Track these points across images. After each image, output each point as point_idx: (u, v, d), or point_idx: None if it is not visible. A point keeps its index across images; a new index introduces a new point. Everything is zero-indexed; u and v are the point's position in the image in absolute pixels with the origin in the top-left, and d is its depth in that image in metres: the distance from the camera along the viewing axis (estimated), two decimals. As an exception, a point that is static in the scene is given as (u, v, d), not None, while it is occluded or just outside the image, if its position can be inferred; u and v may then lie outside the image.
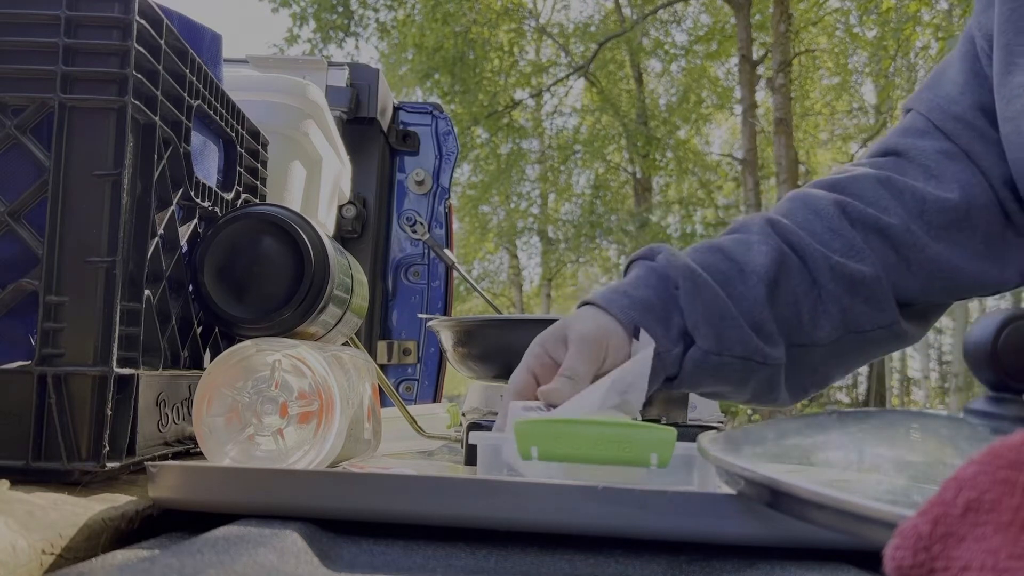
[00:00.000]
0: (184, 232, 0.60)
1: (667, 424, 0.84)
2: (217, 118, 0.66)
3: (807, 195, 0.70)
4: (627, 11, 11.19)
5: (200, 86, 0.62)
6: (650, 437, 0.47)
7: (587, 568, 0.41)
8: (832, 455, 0.45)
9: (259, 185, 0.78)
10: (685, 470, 0.52)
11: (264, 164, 0.80)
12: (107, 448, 0.48)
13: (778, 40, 8.64)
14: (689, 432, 0.78)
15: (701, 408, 1.12)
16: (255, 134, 0.78)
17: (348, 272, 0.70)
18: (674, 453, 0.51)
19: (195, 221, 0.62)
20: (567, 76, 11.57)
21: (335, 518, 0.43)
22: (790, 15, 8.87)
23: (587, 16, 13.78)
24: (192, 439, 0.60)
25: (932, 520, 0.25)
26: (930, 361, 15.07)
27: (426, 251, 1.82)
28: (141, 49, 0.50)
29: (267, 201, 0.78)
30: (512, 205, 12.74)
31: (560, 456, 0.48)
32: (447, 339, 0.89)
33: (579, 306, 0.67)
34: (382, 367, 1.76)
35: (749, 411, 9.11)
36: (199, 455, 0.57)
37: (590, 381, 0.60)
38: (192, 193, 0.60)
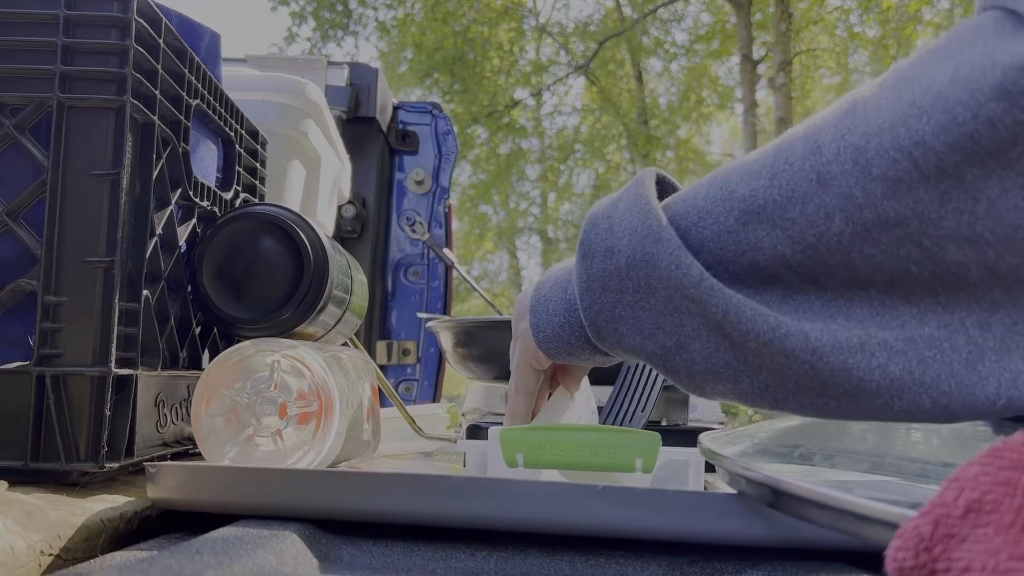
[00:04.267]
0: (183, 232, 0.60)
1: (668, 425, 0.84)
2: (216, 117, 0.66)
3: None
4: (627, 10, 11.19)
5: (199, 85, 0.62)
6: (635, 442, 0.47)
7: (587, 569, 0.41)
8: (833, 455, 0.45)
9: (258, 185, 0.78)
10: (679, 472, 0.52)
11: (263, 164, 0.80)
12: (106, 449, 0.47)
13: (779, 39, 8.64)
14: (690, 433, 0.78)
15: (702, 409, 1.12)
16: (254, 133, 0.77)
17: (347, 272, 0.69)
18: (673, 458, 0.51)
19: (194, 221, 0.62)
20: (567, 75, 11.57)
21: (334, 518, 0.43)
22: (791, 14, 8.87)
23: (587, 15, 13.78)
24: (191, 440, 0.60)
25: (933, 521, 0.25)
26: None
27: (426, 251, 1.82)
28: (140, 48, 0.50)
29: (266, 201, 0.78)
30: (512, 205, 12.74)
31: (546, 463, 0.48)
32: (447, 340, 0.89)
33: None
34: (381, 367, 1.76)
35: (750, 411, 9.11)
36: (198, 456, 0.56)
37: None
38: (191, 193, 0.60)
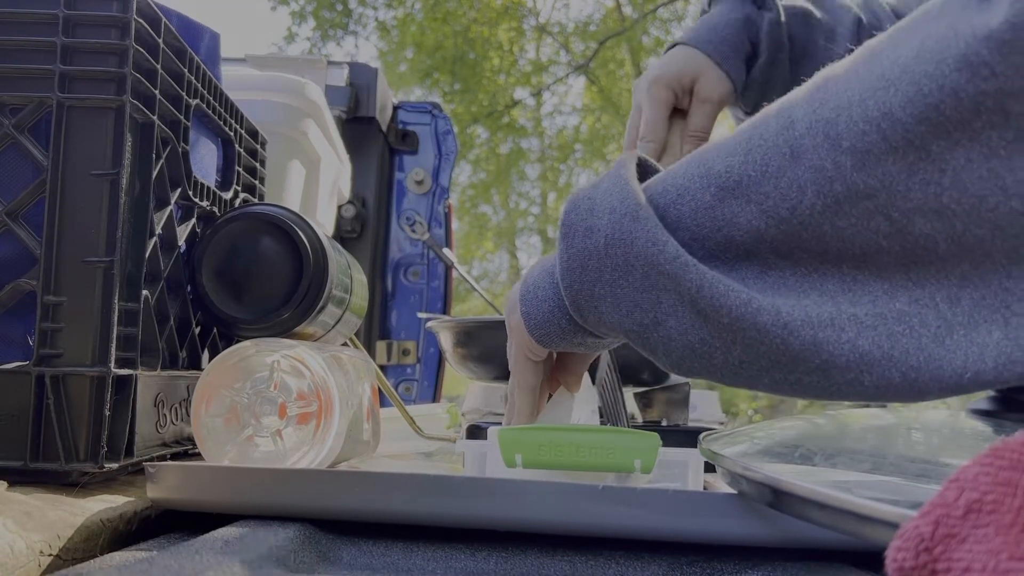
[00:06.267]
0: (182, 232, 0.60)
1: (668, 425, 0.84)
2: (216, 117, 0.66)
3: None
4: (627, 10, 11.18)
5: (199, 85, 0.61)
6: (633, 443, 0.47)
7: (587, 570, 0.41)
8: (834, 455, 0.45)
9: (258, 184, 0.78)
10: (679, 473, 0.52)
11: (263, 163, 0.80)
12: (105, 449, 0.47)
13: (778, 39, 8.61)
14: (690, 433, 0.78)
15: (702, 409, 1.12)
16: (254, 133, 0.77)
17: (347, 272, 0.69)
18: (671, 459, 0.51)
19: (193, 221, 0.62)
20: (567, 75, 11.57)
21: (334, 518, 0.43)
22: (790, 14, 8.85)
23: (587, 15, 13.77)
24: (191, 440, 0.60)
25: (934, 521, 0.25)
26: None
27: (425, 251, 1.82)
28: (139, 48, 0.50)
29: (266, 201, 0.78)
30: (512, 205, 12.73)
31: (544, 463, 0.48)
32: (446, 340, 0.89)
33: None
34: (381, 367, 1.76)
35: (750, 411, 9.10)
36: (197, 456, 0.56)
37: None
38: (190, 193, 0.60)
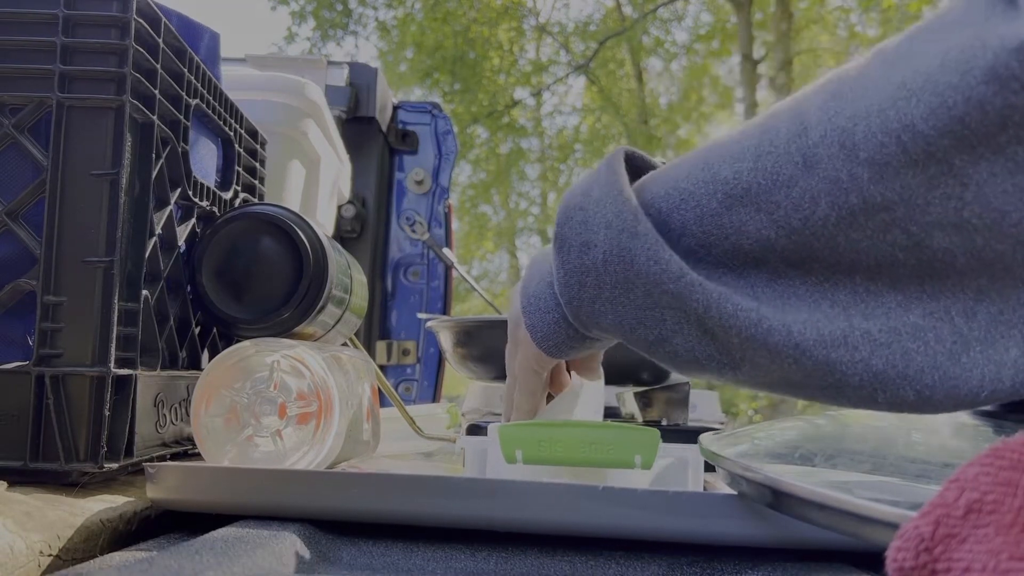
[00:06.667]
0: (182, 232, 0.60)
1: (668, 425, 0.84)
2: (216, 117, 0.66)
3: None
4: (627, 9, 11.18)
5: (198, 85, 0.61)
6: (634, 438, 0.47)
7: (587, 569, 0.41)
8: (834, 456, 0.45)
9: (258, 184, 0.78)
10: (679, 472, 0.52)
11: (263, 163, 0.80)
12: (105, 449, 0.47)
13: (779, 39, 8.64)
14: (690, 433, 0.77)
15: (702, 409, 1.12)
16: (253, 133, 0.77)
17: (347, 272, 0.69)
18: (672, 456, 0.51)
19: (193, 221, 0.62)
20: (567, 75, 11.57)
21: (334, 519, 0.43)
22: (791, 14, 8.87)
23: (587, 15, 13.78)
24: (190, 440, 0.60)
25: (934, 521, 0.25)
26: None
27: (425, 251, 1.82)
28: (139, 48, 0.50)
29: (266, 201, 0.78)
30: (512, 205, 12.73)
31: (545, 459, 0.48)
32: (446, 339, 0.89)
33: None
34: (381, 367, 1.76)
35: (750, 412, 9.10)
36: (197, 456, 0.56)
37: None
38: (190, 192, 0.60)
